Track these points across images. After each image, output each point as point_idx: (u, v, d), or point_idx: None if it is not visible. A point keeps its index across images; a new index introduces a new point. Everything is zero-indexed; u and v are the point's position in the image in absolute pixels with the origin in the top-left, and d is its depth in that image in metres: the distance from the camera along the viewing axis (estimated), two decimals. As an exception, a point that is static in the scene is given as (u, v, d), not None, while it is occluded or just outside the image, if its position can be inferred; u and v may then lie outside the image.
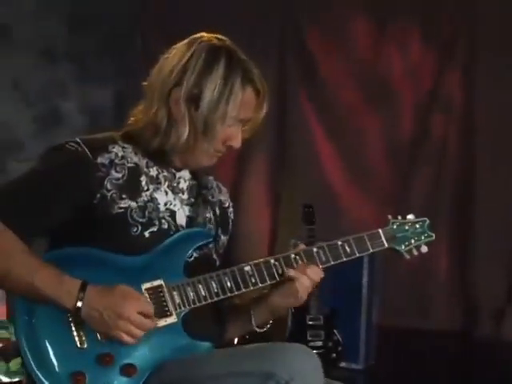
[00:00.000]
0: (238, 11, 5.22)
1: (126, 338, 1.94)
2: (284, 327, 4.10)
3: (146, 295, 2.00)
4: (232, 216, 2.29)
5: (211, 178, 2.27)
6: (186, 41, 2.10)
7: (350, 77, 5.22)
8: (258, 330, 2.16)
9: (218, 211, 2.23)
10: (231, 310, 2.19)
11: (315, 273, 2.10)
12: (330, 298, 4.08)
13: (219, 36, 2.11)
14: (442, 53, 5.09)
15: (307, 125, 5.31)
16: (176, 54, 2.08)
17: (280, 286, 2.11)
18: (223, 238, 2.23)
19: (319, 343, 4.01)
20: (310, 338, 4.01)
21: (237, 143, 2.11)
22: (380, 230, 2.15)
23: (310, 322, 4.06)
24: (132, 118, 2.13)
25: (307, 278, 2.09)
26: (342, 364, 4.08)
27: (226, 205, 2.28)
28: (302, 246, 2.12)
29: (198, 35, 2.10)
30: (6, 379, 3.75)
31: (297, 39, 5.34)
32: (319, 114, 5.31)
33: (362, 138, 5.22)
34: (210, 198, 2.22)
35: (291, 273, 2.08)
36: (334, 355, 4.03)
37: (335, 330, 4.06)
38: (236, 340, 2.21)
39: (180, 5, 5.32)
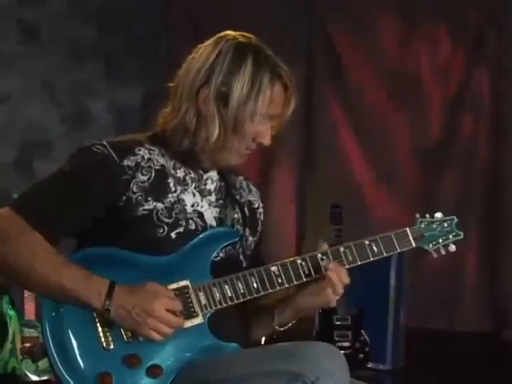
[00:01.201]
0: (266, 11, 5.22)
1: (155, 336, 1.94)
2: (310, 327, 4.10)
3: (173, 296, 2.00)
4: (262, 217, 2.27)
5: (241, 177, 2.25)
6: (211, 40, 2.10)
7: (377, 76, 5.20)
8: (278, 328, 2.14)
9: (246, 212, 2.22)
10: (256, 310, 2.18)
11: (346, 275, 2.08)
12: (357, 298, 4.06)
13: (245, 34, 2.11)
14: (470, 51, 5.06)
15: (335, 125, 5.30)
16: (202, 54, 2.08)
17: (307, 286, 2.10)
18: (251, 240, 2.21)
19: (346, 344, 4.00)
20: (337, 339, 4.00)
21: (267, 140, 2.10)
22: (407, 229, 2.13)
23: (338, 323, 4.04)
24: (160, 120, 2.13)
25: (339, 278, 2.07)
26: (369, 365, 4.06)
27: (256, 206, 2.26)
28: (325, 246, 2.11)
29: (224, 33, 2.10)
30: (34, 377, 3.77)
31: (324, 39, 5.33)
32: (347, 114, 5.29)
33: (389, 137, 5.20)
34: (238, 197, 2.21)
35: (330, 265, 2.06)
36: (361, 356, 4.02)
37: (362, 331, 4.05)
38: (263, 340, 2.19)
39: (207, 4, 5.32)
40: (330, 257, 2.08)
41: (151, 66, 5.22)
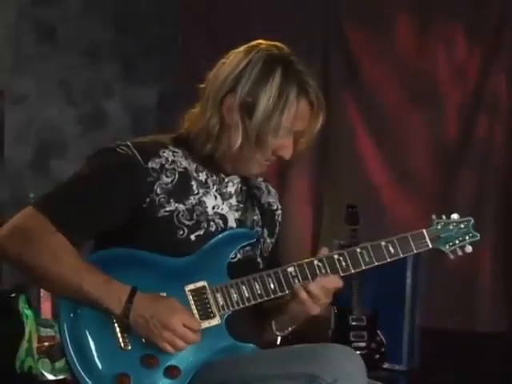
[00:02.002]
0: (280, 11, 5.22)
1: (169, 349, 1.95)
2: (326, 327, 4.09)
3: (190, 297, 2.00)
4: (280, 219, 2.26)
5: (260, 179, 2.25)
6: (243, 47, 2.08)
7: (393, 76, 5.19)
8: (278, 334, 2.13)
9: (265, 213, 2.22)
10: (267, 311, 2.18)
11: (329, 282, 2.05)
12: (373, 298, 4.06)
13: (278, 44, 2.09)
14: (487, 51, 5.04)
15: (351, 125, 5.29)
16: (233, 61, 2.06)
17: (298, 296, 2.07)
18: (268, 241, 2.21)
19: (362, 344, 3.99)
20: (352, 339, 4.00)
21: (287, 154, 2.09)
22: (424, 231, 2.12)
23: (353, 323, 4.04)
24: (186, 122, 2.12)
25: (317, 288, 2.04)
26: (385, 365, 4.06)
27: (275, 207, 2.26)
28: (325, 250, 2.09)
29: (256, 42, 2.08)
30: (50, 377, 3.79)
31: (340, 39, 5.32)
32: (363, 114, 5.28)
33: (405, 138, 5.19)
34: (258, 200, 2.21)
35: (297, 287, 2.04)
36: (377, 356, 4.01)
37: (378, 331, 4.05)
38: (279, 340, 2.19)
39: (220, 5, 5.33)
40: (347, 257, 2.08)
41: (167, 66, 5.23)
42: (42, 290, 3.82)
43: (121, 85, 5.18)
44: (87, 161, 2.06)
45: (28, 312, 3.83)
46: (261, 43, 2.08)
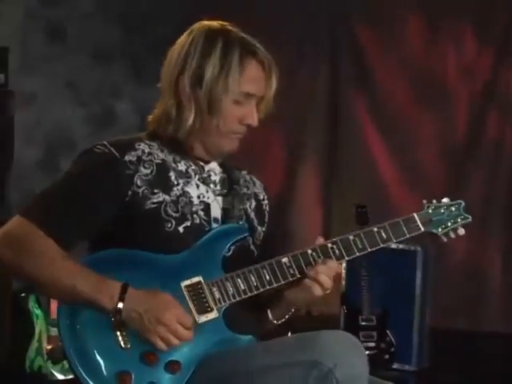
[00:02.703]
0: (290, 12, 5.22)
1: (161, 345, 1.95)
2: (335, 327, 4.09)
3: (186, 292, 2.01)
4: (267, 209, 2.28)
5: (244, 172, 2.27)
6: (187, 31, 2.17)
7: (403, 75, 5.19)
8: (276, 322, 2.14)
9: (253, 203, 2.24)
10: (262, 301, 2.18)
11: (329, 268, 2.07)
12: (382, 298, 4.05)
13: (220, 22, 2.17)
14: (496, 50, 5.03)
15: (360, 124, 5.29)
16: (178, 45, 2.15)
17: (295, 281, 2.09)
18: (259, 229, 2.23)
19: (372, 344, 3.99)
20: (362, 339, 3.99)
21: (252, 121, 2.11)
22: (415, 214, 2.14)
23: (363, 323, 4.03)
24: (150, 116, 2.17)
25: (320, 273, 2.06)
26: (395, 365, 4.05)
27: (261, 197, 2.28)
28: (321, 240, 2.10)
29: (197, 23, 2.17)
30: (60, 376, 3.79)
31: (349, 39, 5.32)
32: (372, 114, 5.28)
33: (415, 137, 5.18)
34: (244, 190, 2.23)
35: (314, 273, 2.06)
36: (387, 356, 4.00)
37: (388, 331, 4.04)
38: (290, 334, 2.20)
39: (231, 6, 5.33)
40: (340, 245, 2.09)
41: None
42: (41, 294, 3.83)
43: (129, 84, 5.19)
44: (70, 165, 2.12)
45: (38, 312, 3.84)
46: (201, 22, 2.17)
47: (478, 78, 5.08)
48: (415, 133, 5.19)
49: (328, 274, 2.06)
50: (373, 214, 4.14)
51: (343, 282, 4.12)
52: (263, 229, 2.25)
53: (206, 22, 2.16)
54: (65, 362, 3.76)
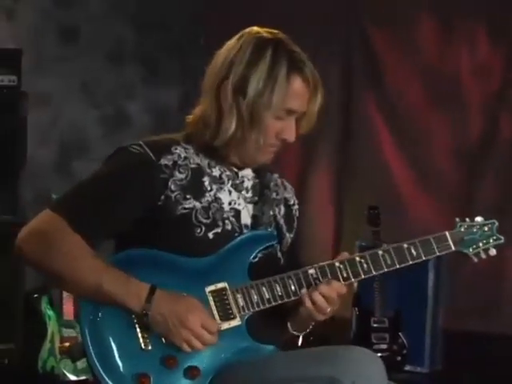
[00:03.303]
0: (303, 13, 5.21)
1: (186, 347, 1.95)
2: (347, 329, 4.08)
3: (210, 297, 2.01)
4: (297, 214, 2.27)
5: (276, 175, 2.25)
6: (236, 36, 2.11)
7: (415, 77, 5.17)
8: (296, 333, 2.12)
9: (283, 209, 2.22)
10: (284, 312, 2.17)
11: (331, 290, 2.03)
12: (395, 300, 4.05)
13: (271, 30, 2.11)
14: (510, 51, 5.00)
15: (372, 125, 5.27)
16: (226, 49, 2.10)
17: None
18: (288, 236, 2.22)
19: (384, 346, 3.98)
20: (374, 341, 3.98)
21: (290, 136, 2.09)
22: (447, 233, 2.11)
23: (375, 325, 4.03)
24: (189, 117, 2.15)
25: (320, 296, 2.02)
26: (407, 367, 4.04)
27: (291, 202, 2.26)
28: (346, 254, 2.08)
29: (248, 29, 2.11)
30: (73, 377, 3.80)
31: (361, 39, 5.30)
32: (384, 114, 5.26)
33: (428, 138, 5.16)
34: (274, 195, 2.21)
35: (303, 292, 2.03)
36: (399, 358, 3.99)
37: (400, 333, 4.03)
38: (300, 342, 2.19)
39: (244, 6, 5.33)
40: (368, 259, 2.07)
41: (189, 68, 5.24)
42: (64, 291, 3.84)
43: (143, 86, 5.20)
44: (103, 162, 2.09)
45: (50, 313, 3.85)
46: (253, 29, 2.11)
47: (492, 79, 5.06)
48: (428, 133, 5.16)
49: (328, 294, 2.02)
50: (385, 215, 4.14)
51: (355, 284, 4.11)
52: (291, 235, 2.23)
53: (256, 29, 2.10)
54: (78, 363, 3.78)
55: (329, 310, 2.03)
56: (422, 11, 5.14)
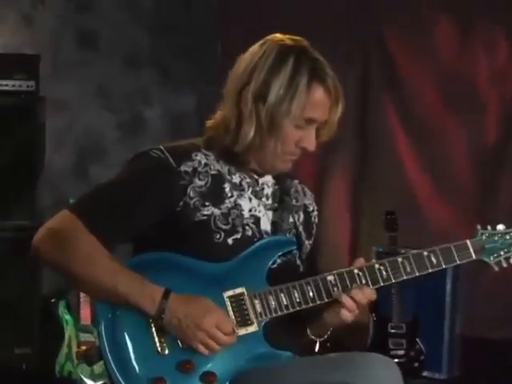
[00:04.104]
0: (319, 15, 5.20)
1: (202, 350, 1.96)
2: (365, 335, 4.07)
3: (228, 303, 2.01)
4: (316, 220, 2.26)
5: (296, 181, 2.25)
6: (260, 41, 2.12)
7: (432, 80, 5.15)
8: (315, 338, 2.12)
9: (302, 216, 2.22)
10: (302, 317, 2.16)
11: (364, 295, 2.03)
12: (412, 305, 4.03)
13: (294, 37, 2.11)
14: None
15: (389, 130, 5.25)
16: (249, 54, 2.10)
17: (335, 304, 2.06)
18: (307, 243, 2.22)
19: (401, 352, 3.96)
20: (391, 347, 3.96)
21: (310, 145, 2.09)
22: (468, 241, 2.09)
23: (392, 330, 4.01)
24: (210, 121, 2.15)
25: (351, 301, 2.03)
26: (425, 373, 4.02)
27: (311, 209, 2.26)
28: (362, 261, 2.07)
29: (272, 35, 2.11)
30: (90, 382, 3.81)
31: (379, 41, 5.29)
32: (402, 119, 5.24)
33: (444, 142, 5.14)
34: (294, 202, 2.20)
35: (338, 295, 2.03)
36: (416, 364, 3.97)
37: (417, 339, 4.01)
38: (317, 347, 2.18)
39: (259, 9, 5.33)
40: (388, 267, 2.06)
41: (205, 72, 5.24)
42: (81, 296, 3.85)
43: (159, 90, 5.21)
44: (123, 166, 2.09)
45: (68, 317, 3.86)
46: (276, 35, 2.11)
47: (510, 82, 5.03)
48: (446, 138, 5.14)
49: (360, 300, 2.03)
50: (402, 220, 4.12)
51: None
52: (310, 242, 2.23)
53: (280, 36, 2.10)
54: (95, 367, 3.78)
55: (356, 313, 2.04)
56: (441, 12, 5.12)
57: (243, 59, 2.10)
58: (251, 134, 2.05)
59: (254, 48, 2.10)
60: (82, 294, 3.83)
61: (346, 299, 2.02)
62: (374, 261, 2.08)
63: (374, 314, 4.06)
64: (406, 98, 5.21)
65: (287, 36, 2.10)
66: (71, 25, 4.92)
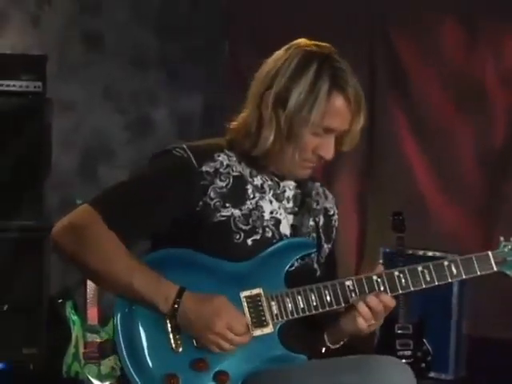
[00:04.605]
0: (327, 18, 5.20)
1: (216, 350, 1.96)
2: (371, 335, 4.06)
3: (245, 303, 2.00)
4: (336, 224, 2.25)
5: (317, 184, 2.24)
6: (286, 46, 2.10)
7: (440, 81, 5.14)
8: (331, 346, 2.12)
9: (322, 219, 2.21)
10: (319, 323, 2.16)
11: (379, 302, 2.02)
12: (419, 306, 4.02)
13: (320, 43, 2.10)
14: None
15: (396, 130, 5.25)
16: (273, 59, 2.09)
17: (351, 310, 2.05)
18: (325, 247, 2.21)
19: (408, 353, 3.96)
20: (398, 348, 3.96)
21: (327, 154, 2.07)
22: (490, 253, 2.07)
23: (399, 331, 4.00)
24: (233, 123, 2.14)
25: (367, 308, 2.02)
26: (431, 374, 4.02)
27: (331, 212, 2.25)
28: (381, 268, 2.06)
29: (298, 40, 2.10)
30: (97, 382, 3.81)
31: (386, 43, 5.28)
32: (409, 120, 5.24)
33: (452, 143, 5.13)
34: (314, 205, 2.20)
35: (355, 300, 2.03)
36: (423, 365, 3.97)
37: (424, 340, 4.01)
38: (323, 349, 2.17)
39: (268, 11, 5.33)
40: (407, 275, 2.05)
41: (212, 74, 5.25)
42: (88, 296, 3.85)
43: (167, 92, 5.21)
44: (146, 163, 2.09)
45: (75, 318, 3.86)
46: (301, 41, 2.10)
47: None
48: (453, 139, 5.13)
49: (376, 307, 2.02)
50: (410, 221, 4.12)
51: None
52: (329, 246, 2.22)
53: (305, 42, 2.09)
54: (102, 367, 3.79)
55: (373, 322, 2.02)
56: (447, 13, 5.11)
57: (267, 63, 2.09)
58: (271, 139, 2.04)
59: (279, 52, 2.09)
60: (88, 295, 3.84)
61: (361, 306, 2.01)
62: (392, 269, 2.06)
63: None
64: (413, 98, 5.20)
65: (313, 42, 2.09)
66: (78, 26, 4.93)
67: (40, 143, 4.13)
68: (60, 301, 3.90)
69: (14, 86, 4.09)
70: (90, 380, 3.81)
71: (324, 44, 2.10)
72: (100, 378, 3.81)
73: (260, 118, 2.06)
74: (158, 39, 5.18)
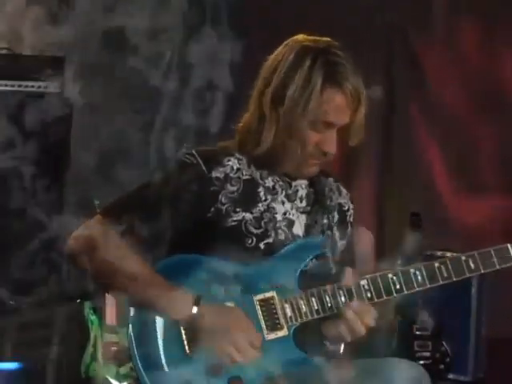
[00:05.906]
0: (343, 21, 5.19)
1: (227, 361, 1.95)
2: (390, 336, 4.05)
3: (258, 307, 1.99)
4: (351, 219, 2.24)
5: (331, 179, 2.23)
6: (285, 42, 2.11)
7: (459, 80, 5.12)
8: (331, 348, 2.11)
9: (336, 216, 2.19)
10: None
11: (364, 312, 2.01)
12: (437, 307, 4.00)
13: (317, 38, 2.09)
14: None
15: (415, 132, 5.24)
16: (273, 55, 2.11)
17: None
18: (340, 244, 2.20)
19: (426, 354, 3.94)
20: (417, 349, 3.95)
21: (330, 148, 2.06)
22: (509, 245, 2.05)
23: (417, 332, 3.99)
24: (239, 124, 2.14)
25: (354, 315, 2.00)
26: (450, 376, 4.00)
27: (346, 208, 2.24)
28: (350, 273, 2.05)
29: (295, 36, 2.10)
30: (115, 382, 3.82)
31: (404, 44, 5.27)
32: (427, 120, 5.22)
33: (471, 143, 5.12)
34: (328, 202, 2.18)
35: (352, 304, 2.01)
36: (442, 366, 3.95)
37: (443, 341, 3.99)
38: (342, 349, 2.16)
39: (283, 12, 5.32)
40: (424, 271, 2.02)
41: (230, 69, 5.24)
42: (106, 297, 3.86)
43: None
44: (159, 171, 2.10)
45: (93, 318, 3.87)
46: (298, 36, 2.10)
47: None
48: (473, 142, 5.11)
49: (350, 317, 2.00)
50: (427, 222, 4.10)
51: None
52: (343, 242, 2.21)
53: (302, 37, 2.09)
54: (120, 368, 3.79)
55: (358, 326, 2.00)
56: (464, 12, 5.09)
57: (268, 60, 2.11)
58: (271, 137, 2.05)
59: (279, 49, 2.10)
60: (107, 295, 3.84)
61: (348, 313, 2.00)
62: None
63: (399, 316, 4.04)
64: (432, 100, 5.19)
65: (311, 37, 2.08)
66: (98, 25, 4.93)
67: (59, 144, 4.14)
68: (78, 301, 3.91)
69: (32, 86, 4.11)
70: (108, 380, 3.81)
71: (322, 38, 2.08)
72: (118, 378, 3.81)
73: (261, 116, 2.06)
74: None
